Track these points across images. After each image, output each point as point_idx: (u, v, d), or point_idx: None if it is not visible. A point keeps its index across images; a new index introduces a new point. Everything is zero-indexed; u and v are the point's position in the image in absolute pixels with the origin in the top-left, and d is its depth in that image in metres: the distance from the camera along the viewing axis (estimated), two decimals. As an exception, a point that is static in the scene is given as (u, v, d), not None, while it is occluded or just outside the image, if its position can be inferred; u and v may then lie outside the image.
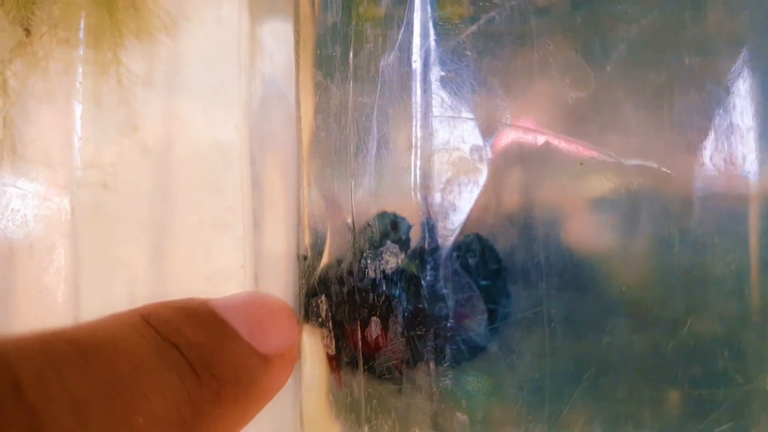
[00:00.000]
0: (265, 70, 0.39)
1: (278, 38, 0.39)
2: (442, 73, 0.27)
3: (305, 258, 0.34)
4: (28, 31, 0.37)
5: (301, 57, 0.35)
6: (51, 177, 0.31)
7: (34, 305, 0.30)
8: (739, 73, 0.26)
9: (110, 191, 0.33)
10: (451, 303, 0.27)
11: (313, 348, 0.33)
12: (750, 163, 0.26)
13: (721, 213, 0.26)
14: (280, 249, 0.34)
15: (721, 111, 0.26)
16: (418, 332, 0.27)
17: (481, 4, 0.27)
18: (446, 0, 0.27)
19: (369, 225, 0.30)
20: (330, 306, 0.32)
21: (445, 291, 0.27)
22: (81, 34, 0.33)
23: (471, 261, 0.27)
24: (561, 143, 0.27)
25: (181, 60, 0.39)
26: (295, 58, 0.34)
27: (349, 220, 0.30)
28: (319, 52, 0.33)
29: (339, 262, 0.31)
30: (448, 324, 0.27)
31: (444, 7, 0.27)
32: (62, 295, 0.30)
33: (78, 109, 0.32)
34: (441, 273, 0.27)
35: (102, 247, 0.32)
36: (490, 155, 0.27)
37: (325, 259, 0.32)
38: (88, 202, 0.32)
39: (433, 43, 0.27)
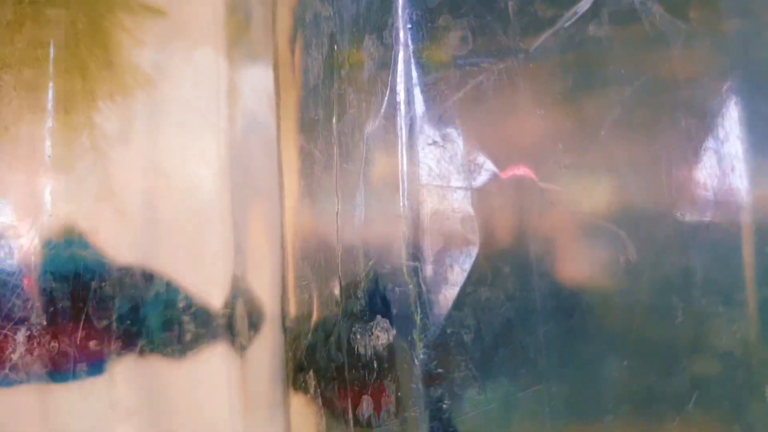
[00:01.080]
0: (245, 126, 0.37)
1: (259, 92, 0.38)
2: (429, 141, 0.26)
3: (290, 329, 0.32)
4: (-4, 97, 0.35)
5: (282, 119, 0.34)
6: (19, 252, 0.30)
7: (6, 390, 0.29)
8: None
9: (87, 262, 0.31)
10: (445, 383, 0.25)
11: (302, 426, 0.31)
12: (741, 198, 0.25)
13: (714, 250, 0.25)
14: (266, 319, 0.32)
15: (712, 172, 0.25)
16: (413, 413, 0.26)
17: (468, 68, 0.26)
18: (431, 65, 0.26)
19: (358, 298, 0.28)
20: (318, 382, 0.30)
21: (439, 370, 0.25)
22: (50, 104, 0.32)
23: (466, 337, 0.25)
24: (556, 209, 0.26)
25: (159, 117, 0.37)
26: (276, 120, 0.33)
27: (336, 292, 0.29)
28: (301, 114, 0.32)
29: (327, 335, 0.30)
30: (444, 405, 0.25)
31: (429, 73, 0.26)
32: (33, 380, 0.28)
33: (48, 183, 0.31)
34: (434, 351, 0.25)
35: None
36: (481, 225, 0.25)
37: (311, 332, 0.31)
38: (61, 276, 0.30)
39: (418, 110, 0.26)
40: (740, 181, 0.26)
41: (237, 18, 0.37)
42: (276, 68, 0.34)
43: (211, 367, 0.32)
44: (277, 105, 0.34)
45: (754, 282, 0.25)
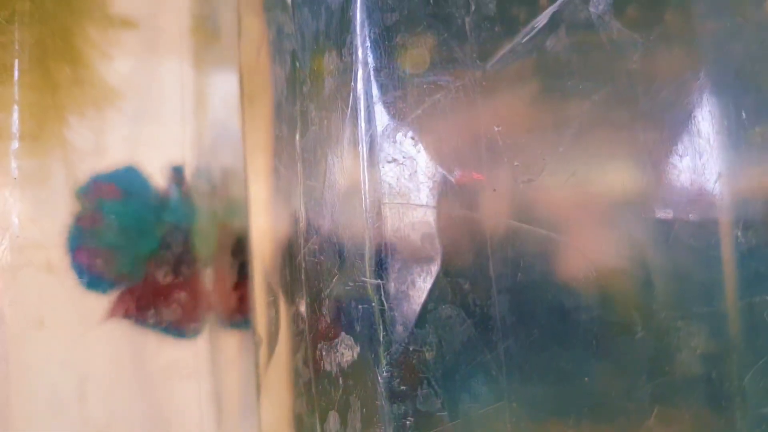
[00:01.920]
0: (214, 136, 0.37)
1: (228, 103, 0.38)
2: (389, 159, 0.26)
3: (259, 344, 0.32)
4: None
5: (248, 132, 0.34)
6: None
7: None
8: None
9: (56, 285, 0.32)
10: (408, 400, 0.25)
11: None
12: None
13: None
14: (236, 335, 0.33)
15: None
16: (378, 430, 0.26)
17: (425, 86, 0.26)
18: (389, 84, 0.26)
19: (323, 314, 0.28)
20: (288, 397, 0.30)
21: (402, 388, 0.25)
22: (14, 128, 0.32)
23: (428, 355, 0.25)
24: (515, 226, 0.26)
25: (129, 130, 0.37)
26: (242, 134, 0.33)
27: (302, 308, 0.29)
28: (270, 129, 0.32)
29: (294, 351, 0.30)
30: (407, 422, 0.25)
31: (388, 91, 0.26)
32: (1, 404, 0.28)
33: (15, 205, 0.31)
34: (397, 368, 0.25)
35: (46, 344, 0.30)
36: (442, 242, 0.25)
37: (279, 348, 0.31)
38: (29, 300, 0.30)
39: (378, 129, 0.26)
40: (706, 196, 0.26)
41: (205, 30, 0.37)
42: (242, 80, 0.34)
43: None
44: (243, 117, 0.34)
45: (733, 284, 0.25)
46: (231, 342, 0.34)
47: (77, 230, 0.34)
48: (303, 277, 0.29)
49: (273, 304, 0.31)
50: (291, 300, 0.30)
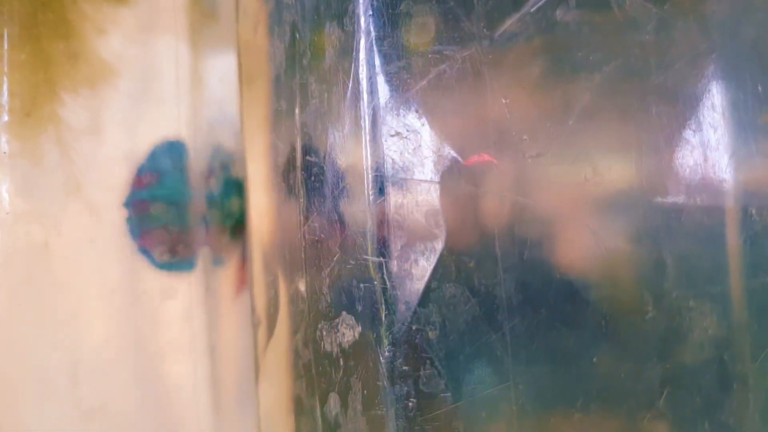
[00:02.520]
0: (211, 116, 0.37)
1: (225, 82, 0.37)
2: (392, 133, 0.25)
3: (258, 325, 0.32)
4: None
5: (246, 109, 0.33)
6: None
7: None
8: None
9: (48, 260, 0.31)
10: (411, 381, 0.24)
11: (271, 422, 0.31)
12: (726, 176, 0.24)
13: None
14: (234, 315, 0.32)
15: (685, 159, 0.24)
16: (379, 411, 0.25)
17: (430, 56, 0.25)
18: (393, 54, 0.25)
19: (323, 294, 0.27)
20: (288, 378, 0.30)
21: (405, 368, 0.25)
22: (4, 99, 0.31)
23: (432, 334, 0.25)
24: (522, 203, 0.25)
25: (124, 108, 0.36)
26: (240, 111, 0.32)
27: (302, 288, 0.28)
28: (265, 104, 0.31)
29: (294, 332, 0.29)
30: (410, 403, 0.25)
31: (391, 61, 0.25)
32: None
33: (5, 181, 0.30)
34: (400, 348, 0.25)
35: (39, 323, 0.29)
36: (446, 219, 0.25)
37: (279, 328, 0.30)
38: (22, 275, 0.29)
39: (381, 100, 0.25)
40: (716, 169, 0.25)
41: (201, 6, 0.36)
42: (239, 57, 0.33)
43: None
44: (241, 96, 0.33)
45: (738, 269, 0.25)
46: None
47: (133, 221, 0.33)
48: (303, 255, 0.28)
49: (272, 284, 0.30)
50: (291, 279, 0.29)
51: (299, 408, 0.29)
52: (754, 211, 0.25)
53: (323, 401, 0.28)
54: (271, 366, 0.31)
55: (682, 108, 0.25)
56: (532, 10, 0.25)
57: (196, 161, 0.35)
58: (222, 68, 0.37)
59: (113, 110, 0.36)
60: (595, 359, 0.24)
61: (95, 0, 0.36)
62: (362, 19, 0.25)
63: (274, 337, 0.30)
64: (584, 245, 0.24)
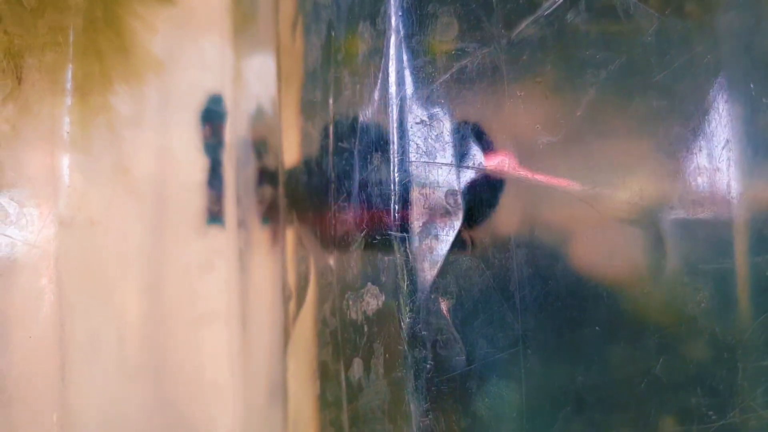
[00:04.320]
0: (249, 108, 0.40)
1: (262, 78, 0.40)
2: (417, 120, 0.28)
3: (289, 298, 0.34)
4: (19, 79, 0.38)
5: (284, 103, 0.36)
6: (40, 222, 0.32)
7: (25, 350, 0.31)
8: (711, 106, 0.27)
9: (98, 234, 0.34)
10: (429, 345, 0.27)
11: (298, 391, 0.33)
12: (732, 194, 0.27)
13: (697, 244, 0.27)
14: (266, 289, 0.34)
15: (686, 152, 0.27)
16: (399, 374, 0.28)
17: (453, 53, 0.27)
18: (420, 50, 0.28)
19: (350, 267, 0.30)
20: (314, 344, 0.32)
21: (423, 333, 0.27)
22: (69, 85, 0.34)
23: (448, 303, 0.27)
24: (535, 183, 0.27)
25: (170, 99, 0.39)
26: (278, 104, 0.35)
27: (331, 262, 0.31)
28: (301, 98, 0.34)
29: (322, 303, 0.32)
30: (428, 366, 0.27)
31: (418, 56, 0.28)
32: (51, 341, 0.31)
33: (66, 158, 0.33)
34: (419, 315, 0.27)
35: (90, 290, 0.32)
36: (464, 199, 0.27)
37: (307, 301, 0.33)
38: (75, 246, 0.32)
39: (408, 92, 0.28)
40: (727, 175, 0.27)
41: (243, 6, 0.39)
42: (278, 55, 0.36)
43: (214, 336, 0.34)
44: (279, 90, 0.36)
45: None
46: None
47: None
48: (333, 232, 0.31)
49: (303, 260, 0.33)
50: (321, 254, 0.32)
51: (324, 373, 0.32)
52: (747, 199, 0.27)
53: (347, 366, 0.30)
54: (299, 335, 0.34)
55: (682, 103, 0.27)
56: (545, 13, 0.27)
57: (232, 152, 0.38)
58: (259, 66, 0.40)
59: (158, 100, 0.39)
60: (597, 327, 0.26)
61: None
62: (393, 19, 0.28)
63: (303, 308, 0.33)
64: (588, 223, 0.27)
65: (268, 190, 0.38)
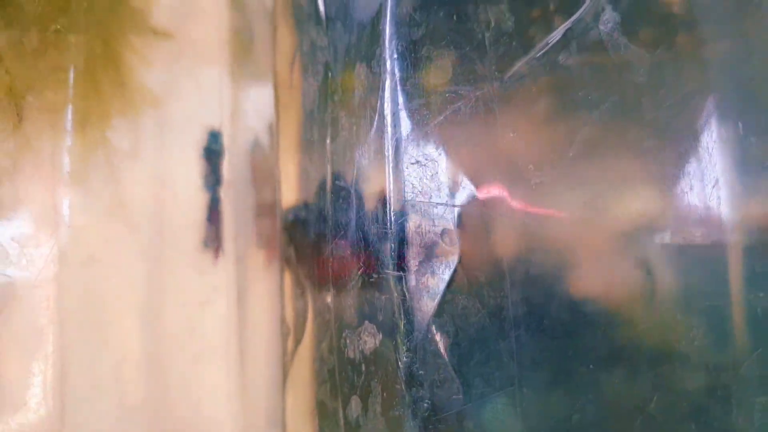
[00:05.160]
0: (246, 141, 0.40)
1: (260, 111, 0.40)
2: (413, 161, 0.28)
3: (287, 335, 0.34)
4: (20, 117, 0.38)
5: (282, 137, 0.36)
6: (40, 262, 0.32)
7: (24, 389, 0.31)
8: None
9: (98, 272, 0.34)
10: (426, 384, 0.27)
11: (297, 427, 0.33)
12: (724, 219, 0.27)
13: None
14: (264, 325, 0.35)
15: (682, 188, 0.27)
16: (397, 413, 0.28)
17: (447, 95, 0.28)
18: (414, 92, 0.28)
19: (348, 305, 0.30)
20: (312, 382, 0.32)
21: (421, 372, 0.27)
22: (68, 121, 0.34)
23: (445, 342, 0.28)
24: (529, 222, 0.28)
25: (167, 133, 0.40)
26: (276, 138, 0.36)
27: (329, 300, 0.31)
28: (300, 135, 0.35)
29: (320, 340, 0.32)
30: (425, 405, 0.27)
31: (413, 98, 0.28)
32: (51, 379, 0.31)
33: (65, 195, 0.33)
34: (416, 354, 0.27)
35: (90, 328, 0.32)
36: (460, 238, 0.28)
37: (305, 337, 0.33)
38: (76, 284, 0.33)
39: (403, 133, 0.28)
40: (716, 201, 0.28)
41: (240, 41, 0.40)
42: (276, 90, 0.37)
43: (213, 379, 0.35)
44: (277, 124, 0.36)
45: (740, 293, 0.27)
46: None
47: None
48: (330, 271, 0.31)
49: (301, 297, 0.33)
50: (318, 292, 0.32)
51: (323, 411, 0.32)
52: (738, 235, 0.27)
53: (345, 404, 0.30)
54: (297, 372, 0.34)
55: (673, 142, 0.28)
56: (538, 54, 0.28)
57: (230, 188, 0.39)
58: (257, 100, 0.40)
59: (156, 135, 0.39)
60: (591, 366, 0.27)
61: (143, 33, 0.40)
62: (388, 62, 0.28)
63: (301, 345, 0.33)
64: (582, 264, 0.27)
65: (266, 225, 0.38)
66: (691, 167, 0.27)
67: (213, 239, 0.36)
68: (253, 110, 0.40)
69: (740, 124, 0.27)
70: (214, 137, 0.38)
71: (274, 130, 0.38)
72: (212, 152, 0.38)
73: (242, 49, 0.41)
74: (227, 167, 0.38)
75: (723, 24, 0.29)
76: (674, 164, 0.27)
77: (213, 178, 0.37)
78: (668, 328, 0.26)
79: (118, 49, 0.40)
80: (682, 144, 0.27)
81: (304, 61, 0.34)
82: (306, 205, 0.33)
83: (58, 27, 0.35)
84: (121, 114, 0.39)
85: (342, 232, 0.31)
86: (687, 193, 0.27)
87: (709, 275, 0.27)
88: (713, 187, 0.27)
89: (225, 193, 0.37)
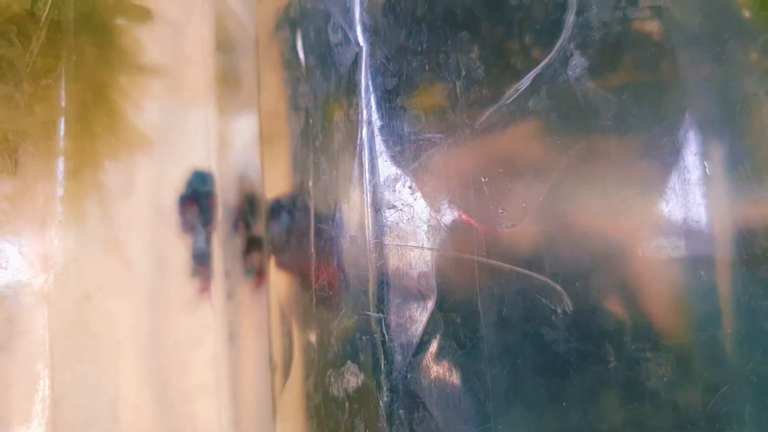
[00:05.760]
0: (236, 177, 0.41)
1: (247, 145, 0.41)
2: (389, 206, 0.29)
3: (275, 370, 0.35)
4: (15, 163, 0.39)
5: (267, 174, 0.37)
6: (36, 306, 0.34)
7: (19, 430, 0.32)
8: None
9: (94, 314, 0.35)
10: (406, 423, 0.28)
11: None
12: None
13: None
14: (255, 361, 0.36)
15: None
16: (379, 449, 0.29)
17: (421, 142, 0.29)
18: (390, 140, 0.29)
19: (331, 345, 0.31)
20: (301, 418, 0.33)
21: (400, 411, 0.28)
22: (61, 168, 0.35)
23: (424, 381, 0.29)
24: (499, 266, 0.29)
25: (159, 175, 0.41)
26: (262, 180, 0.37)
27: (313, 339, 0.32)
28: (287, 175, 0.36)
29: (306, 376, 0.33)
30: (405, 442, 0.28)
31: (389, 146, 0.29)
32: (46, 423, 0.32)
33: (60, 237, 0.34)
34: (397, 393, 0.28)
35: (84, 370, 0.33)
36: (436, 280, 0.29)
37: (293, 373, 0.34)
38: (71, 328, 0.34)
39: (380, 179, 0.29)
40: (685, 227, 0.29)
41: (227, 80, 0.41)
42: (261, 127, 0.38)
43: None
44: (262, 159, 0.37)
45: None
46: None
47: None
48: (314, 310, 0.32)
49: (287, 334, 0.34)
50: (303, 331, 0.33)
51: (311, 446, 0.33)
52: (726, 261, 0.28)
53: (331, 440, 0.31)
54: (286, 406, 0.35)
55: (642, 184, 0.29)
56: (507, 101, 0.29)
57: (220, 227, 0.40)
58: (245, 134, 0.41)
59: (147, 174, 0.40)
60: (564, 403, 0.27)
61: (130, 73, 0.41)
62: (364, 111, 0.29)
63: (289, 380, 0.34)
64: (553, 304, 0.28)
65: (256, 258, 0.39)
66: (661, 208, 0.28)
67: (204, 278, 0.37)
68: (240, 145, 0.42)
69: (706, 164, 0.28)
70: (203, 180, 0.39)
71: (260, 164, 0.39)
72: (202, 194, 0.39)
73: (229, 88, 0.42)
74: (217, 206, 0.39)
75: (691, 65, 0.30)
76: (646, 207, 0.28)
77: (203, 219, 0.38)
78: (640, 364, 0.27)
79: (109, 94, 0.41)
80: (652, 185, 0.28)
81: (288, 107, 0.35)
82: (290, 243, 0.34)
83: (49, 81, 0.36)
84: (114, 157, 0.40)
85: (324, 274, 0.32)
86: (657, 233, 0.28)
87: (690, 310, 0.28)
88: (682, 225, 0.28)
89: (216, 233, 0.38)
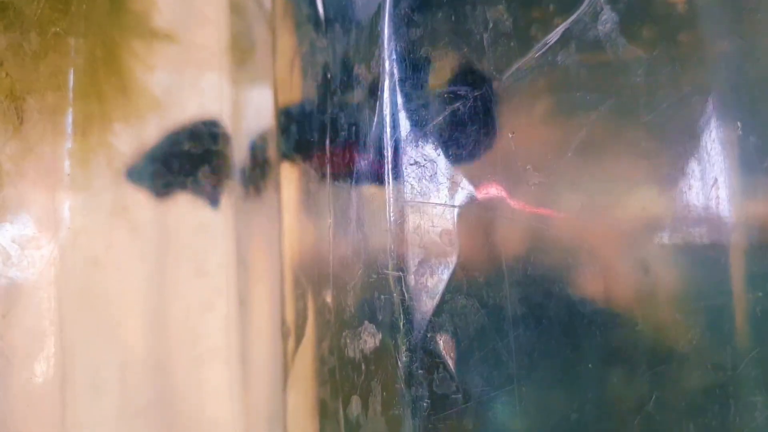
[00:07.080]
0: (248, 142, 0.40)
1: (261, 113, 0.40)
2: (411, 162, 0.28)
3: (287, 334, 0.35)
4: (21, 120, 0.38)
5: (282, 139, 0.36)
6: (42, 264, 0.33)
7: (26, 392, 0.31)
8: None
9: (100, 275, 0.34)
10: (425, 383, 0.27)
11: (298, 426, 0.34)
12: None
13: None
14: (266, 326, 0.35)
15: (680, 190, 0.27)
16: (396, 412, 0.28)
17: (446, 96, 0.28)
18: (413, 93, 0.28)
19: (348, 305, 0.31)
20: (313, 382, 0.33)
21: (420, 371, 0.28)
22: (69, 125, 0.34)
23: (444, 341, 0.28)
24: (527, 222, 0.28)
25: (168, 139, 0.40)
26: (276, 141, 0.36)
27: (329, 300, 0.31)
28: (298, 137, 0.35)
29: (320, 340, 0.32)
30: (424, 404, 0.27)
31: (411, 100, 0.28)
32: (53, 382, 0.31)
33: (67, 198, 0.33)
34: (416, 354, 0.28)
35: (91, 330, 0.33)
36: (458, 238, 0.28)
37: (306, 337, 0.33)
38: (77, 286, 0.33)
39: (402, 134, 0.28)
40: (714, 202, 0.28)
41: (241, 45, 0.40)
42: (276, 92, 0.37)
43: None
44: (277, 126, 0.36)
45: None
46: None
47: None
48: (330, 271, 0.31)
49: (301, 297, 0.34)
50: (318, 293, 0.32)
51: (323, 411, 0.32)
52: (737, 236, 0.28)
53: (346, 403, 0.31)
54: (298, 372, 0.34)
55: (669, 141, 0.28)
56: (536, 55, 0.28)
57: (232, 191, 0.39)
58: (259, 101, 0.40)
59: (159, 140, 0.39)
60: (590, 365, 0.27)
61: (145, 38, 0.40)
62: (387, 63, 0.28)
63: (301, 345, 0.33)
64: (581, 264, 0.27)
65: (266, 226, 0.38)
66: (690, 167, 0.27)
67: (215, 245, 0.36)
68: (254, 111, 0.41)
69: (739, 124, 0.28)
70: (214, 138, 0.38)
71: (274, 131, 0.38)
72: (212, 152, 0.38)
73: (243, 54, 0.41)
74: (228, 170, 0.38)
75: (723, 24, 0.29)
76: (673, 164, 0.27)
77: (215, 180, 0.38)
78: (667, 328, 0.27)
79: (120, 54, 0.40)
80: (680, 144, 0.27)
81: (303, 64, 0.34)
82: (306, 207, 0.34)
83: (58, 30, 0.35)
84: (124, 119, 0.39)
85: (342, 234, 0.31)
86: (686, 192, 0.27)
87: (709, 277, 0.27)
88: (712, 186, 0.27)
89: (227, 196, 0.37)
